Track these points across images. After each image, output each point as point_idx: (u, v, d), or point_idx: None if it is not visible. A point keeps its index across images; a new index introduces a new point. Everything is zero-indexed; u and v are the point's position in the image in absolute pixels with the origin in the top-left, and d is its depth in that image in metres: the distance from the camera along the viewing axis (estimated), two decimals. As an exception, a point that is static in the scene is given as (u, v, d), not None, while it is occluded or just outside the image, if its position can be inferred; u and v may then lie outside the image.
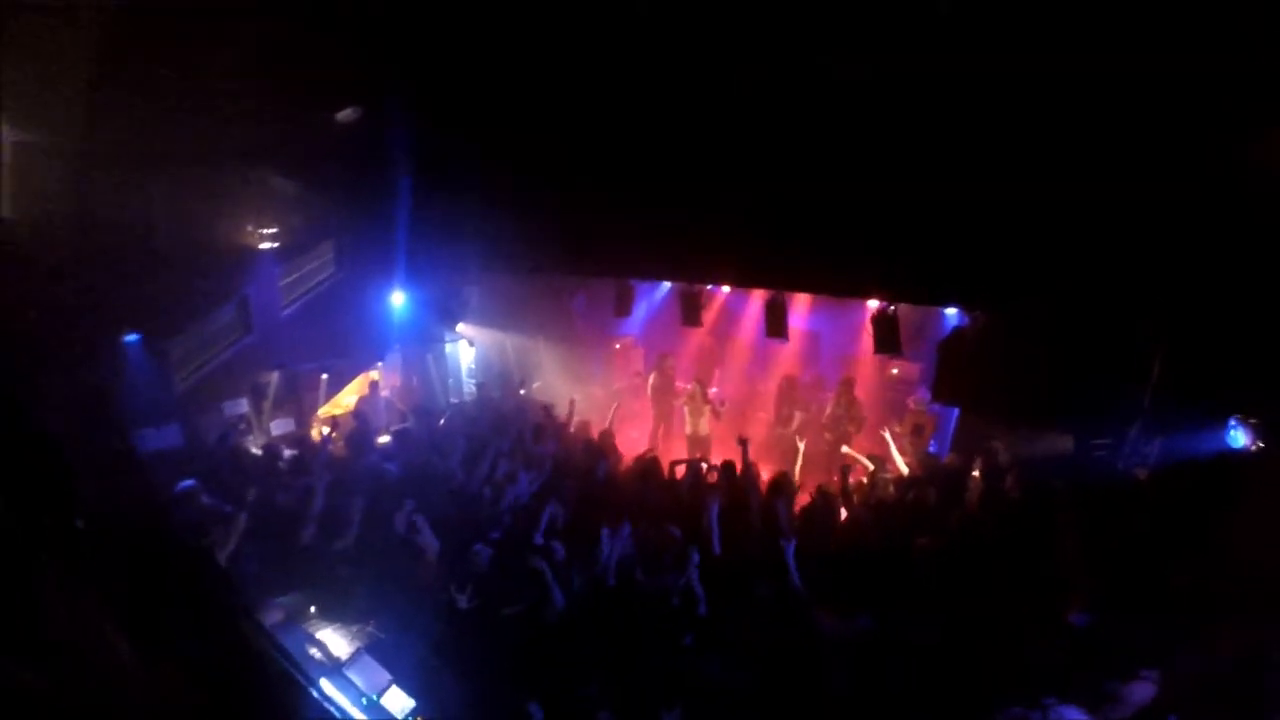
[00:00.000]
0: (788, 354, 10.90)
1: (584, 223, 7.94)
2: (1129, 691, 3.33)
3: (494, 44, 5.54)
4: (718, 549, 5.08)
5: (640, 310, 10.82)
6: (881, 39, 5.02)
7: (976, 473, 6.48)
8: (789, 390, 10.23)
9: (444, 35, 5.36)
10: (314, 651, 3.78)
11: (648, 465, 6.75)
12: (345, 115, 6.58)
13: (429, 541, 4.60)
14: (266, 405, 7.95)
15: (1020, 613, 4.48)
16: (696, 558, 4.45)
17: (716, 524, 5.20)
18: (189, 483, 4.77)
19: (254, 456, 6.48)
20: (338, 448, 6.99)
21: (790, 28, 5.09)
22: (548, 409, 8.45)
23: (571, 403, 8.44)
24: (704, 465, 6.72)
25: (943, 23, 4.65)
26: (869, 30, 4.98)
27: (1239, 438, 5.02)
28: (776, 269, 7.65)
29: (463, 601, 4.23)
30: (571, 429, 8.06)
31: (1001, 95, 5.30)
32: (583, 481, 6.39)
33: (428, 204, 8.24)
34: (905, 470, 6.93)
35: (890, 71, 5.32)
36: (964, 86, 5.29)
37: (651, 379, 10.45)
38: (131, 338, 6.62)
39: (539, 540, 4.86)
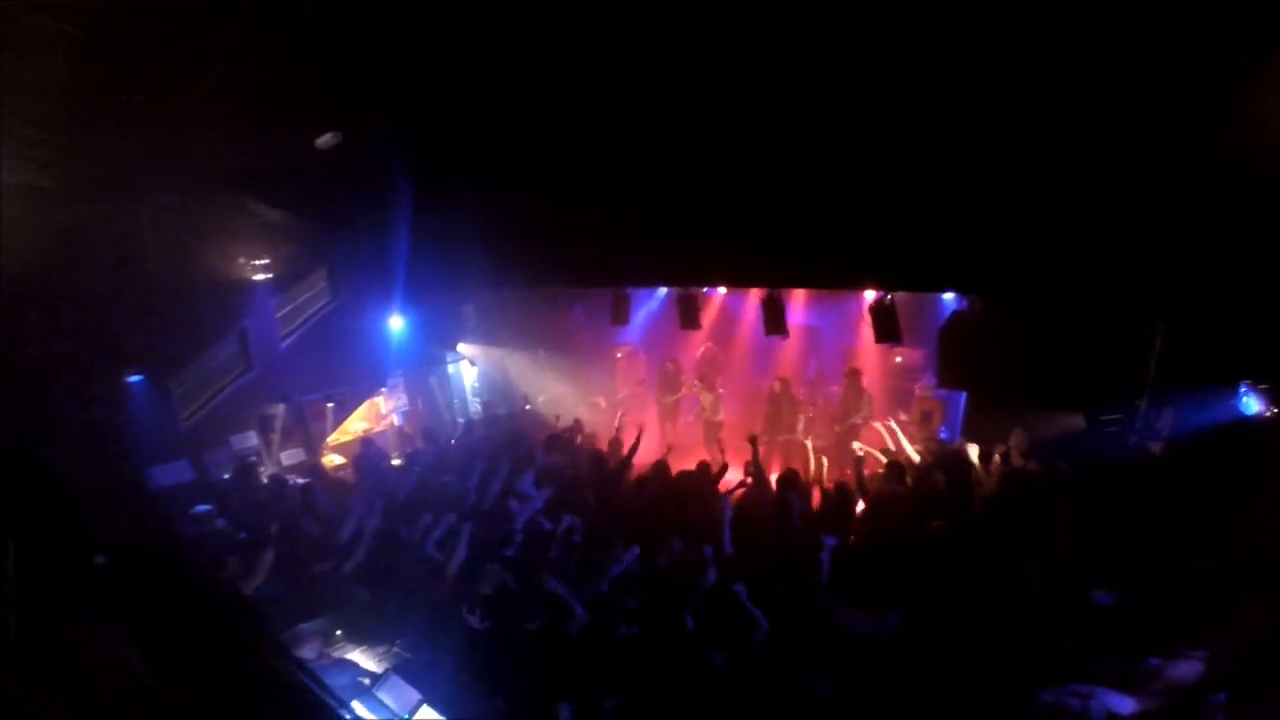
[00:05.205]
0: (789, 350, 10.87)
1: (575, 233, 7.94)
2: (1171, 670, 3.24)
3: (482, 60, 5.57)
4: (729, 550, 5.05)
5: (640, 317, 10.79)
6: (875, 38, 5.03)
7: (996, 457, 6.41)
8: (783, 395, 9.75)
9: (433, 55, 5.38)
10: (344, 674, 3.76)
11: (659, 472, 6.72)
12: (324, 141, 6.56)
13: (459, 554, 4.55)
14: (275, 436, 7.95)
15: (1042, 595, 4.44)
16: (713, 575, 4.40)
17: (729, 530, 5.19)
18: (204, 507, 4.77)
19: (266, 486, 6.47)
20: (346, 473, 6.99)
21: (781, 31, 5.10)
22: (555, 422, 8.39)
23: (577, 419, 8.44)
24: (716, 468, 6.72)
25: (942, 19, 4.65)
26: (862, 30, 4.99)
27: (1251, 404, 4.97)
28: (770, 266, 7.62)
29: (475, 622, 4.20)
30: (580, 440, 8.04)
31: (987, 86, 5.32)
32: (597, 492, 6.36)
33: (419, 225, 8.26)
34: (916, 459, 6.88)
35: (876, 67, 5.34)
36: (946, 80, 5.32)
37: (657, 383, 10.46)
38: (135, 378, 6.65)
39: (556, 555, 4.83)
